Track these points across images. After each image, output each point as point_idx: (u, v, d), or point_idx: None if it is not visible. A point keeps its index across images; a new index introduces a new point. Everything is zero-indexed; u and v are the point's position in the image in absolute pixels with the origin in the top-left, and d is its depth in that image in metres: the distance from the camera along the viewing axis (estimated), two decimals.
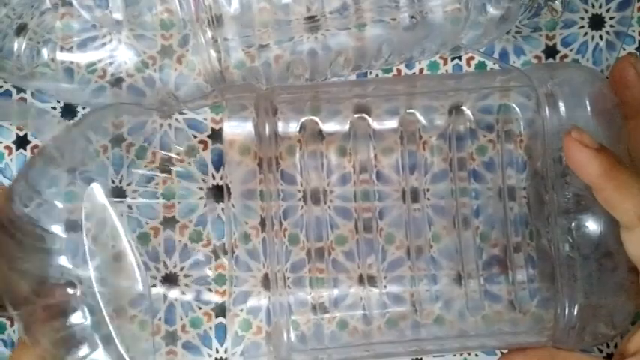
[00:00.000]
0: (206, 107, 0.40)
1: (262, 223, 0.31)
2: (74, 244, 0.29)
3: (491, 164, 0.32)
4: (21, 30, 0.33)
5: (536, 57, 0.41)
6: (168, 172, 0.31)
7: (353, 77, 0.41)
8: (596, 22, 0.41)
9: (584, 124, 0.30)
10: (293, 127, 0.31)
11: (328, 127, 0.32)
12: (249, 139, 0.31)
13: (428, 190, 0.31)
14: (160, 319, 0.30)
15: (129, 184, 0.31)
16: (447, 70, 0.41)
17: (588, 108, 0.30)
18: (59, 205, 0.29)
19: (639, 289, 0.30)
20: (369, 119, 0.32)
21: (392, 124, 0.32)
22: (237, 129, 0.31)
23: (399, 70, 0.41)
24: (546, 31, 0.41)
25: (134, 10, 0.33)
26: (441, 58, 0.41)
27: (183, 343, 0.31)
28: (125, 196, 0.30)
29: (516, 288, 0.31)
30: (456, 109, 0.32)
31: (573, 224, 0.30)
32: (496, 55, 0.41)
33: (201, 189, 0.31)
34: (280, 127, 0.31)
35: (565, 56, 0.41)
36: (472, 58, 0.41)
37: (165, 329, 0.30)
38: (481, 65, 0.41)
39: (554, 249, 0.30)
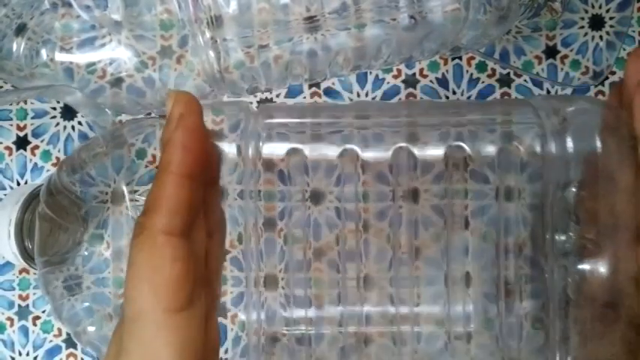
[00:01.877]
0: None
1: (261, 223, 0.31)
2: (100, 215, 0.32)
3: (490, 205, 0.30)
4: (20, 30, 0.33)
5: (537, 57, 0.41)
6: None
7: (352, 78, 0.41)
8: (596, 22, 0.41)
9: (594, 163, 0.28)
10: (280, 150, 0.31)
11: (315, 153, 0.31)
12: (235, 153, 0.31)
13: (426, 190, 0.31)
14: None
15: (128, 184, 0.31)
16: (447, 71, 0.41)
17: (598, 146, 0.28)
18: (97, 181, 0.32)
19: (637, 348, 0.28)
20: (359, 150, 0.31)
21: (385, 156, 0.31)
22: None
23: (398, 70, 0.41)
24: (546, 31, 0.41)
25: (133, 11, 0.33)
26: (441, 58, 0.41)
27: None
28: (124, 197, 0.30)
29: (505, 327, 0.30)
30: (454, 144, 0.30)
31: (577, 267, 0.28)
32: (496, 56, 0.41)
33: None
34: (266, 148, 0.31)
35: (565, 56, 0.41)
36: (472, 58, 0.41)
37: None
38: (481, 65, 0.41)
39: (550, 291, 0.29)
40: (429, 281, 0.31)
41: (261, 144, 0.30)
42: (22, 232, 0.34)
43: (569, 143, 0.29)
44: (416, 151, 0.30)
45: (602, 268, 0.28)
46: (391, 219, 0.31)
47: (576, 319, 0.28)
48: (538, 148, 0.30)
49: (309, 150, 0.31)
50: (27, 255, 0.34)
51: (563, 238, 0.29)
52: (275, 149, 0.31)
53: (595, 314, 0.28)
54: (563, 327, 0.29)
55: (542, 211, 0.29)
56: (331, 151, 0.31)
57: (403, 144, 0.31)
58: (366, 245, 0.31)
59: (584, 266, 0.28)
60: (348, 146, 0.31)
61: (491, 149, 0.30)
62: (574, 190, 0.28)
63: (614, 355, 0.28)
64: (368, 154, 0.30)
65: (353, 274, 0.31)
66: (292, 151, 0.31)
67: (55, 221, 0.31)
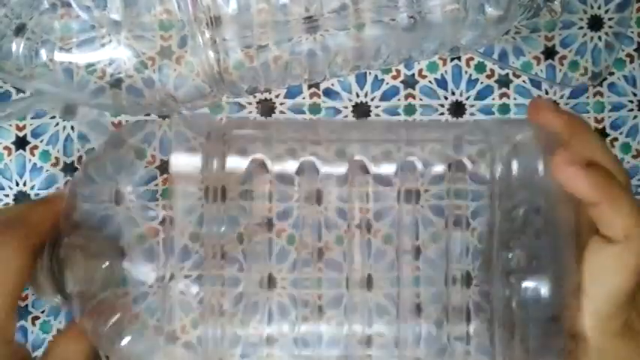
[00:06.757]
0: (205, 108, 0.41)
1: (262, 224, 0.31)
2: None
3: (440, 214, 0.31)
4: (19, 30, 0.33)
5: (536, 57, 0.41)
6: (168, 172, 0.31)
7: (352, 78, 0.41)
8: (595, 23, 0.41)
9: (537, 184, 0.30)
10: (242, 164, 0.31)
11: (277, 167, 0.31)
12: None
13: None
14: (159, 320, 0.30)
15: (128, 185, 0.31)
16: (446, 71, 0.41)
17: (540, 169, 0.30)
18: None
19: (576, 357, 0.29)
20: (318, 161, 0.31)
21: (342, 169, 0.31)
22: (185, 161, 0.31)
23: (397, 71, 0.41)
24: (545, 32, 0.41)
25: (133, 11, 0.33)
26: (440, 58, 0.41)
27: (183, 343, 0.31)
28: (123, 199, 0.30)
29: (453, 342, 0.31)
30: (406, 163, 0.31)
31: (523, 284, 0.29)
32: (495, 56, 0.41)
33: (200, 190, 0.31)
34: (229, 161, 0.31)
35: (564, 57, 0.41)
36: (471, 58, 0.41)
37: (164, 329, 0.30)
38: (480, 66, 0.41)
39: (495, 308, 0.30)
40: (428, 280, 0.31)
41: (227, 154, 0.31)
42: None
43: (516, 168, 0.30)
44: (372, 166, 0.31)
45: (546, 282, 0.29)
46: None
47: (521, 334, 0.29)
48: (487, 172, 0.31)
49: (270, 162, 0.31)
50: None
51: (510, 256, 0.30)
52: (238, 161, 0.31)
53: (539, 328, 0.29)
54: (508, 341, 0.30)
55: (490, 231, 0.30)
56: (290, 165, 0.31)
57: (358, 157, 0.31)
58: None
59: (530, 283, 0.29)
60: (307, 159, 0.31)
61: (440, 170, 0.31)
62: (520, 211, 0.30)
63: None
64: (326, 168, 0.31)
65: (356, 276, 0.31)
66: (254, 163, 0.31)
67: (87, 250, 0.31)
